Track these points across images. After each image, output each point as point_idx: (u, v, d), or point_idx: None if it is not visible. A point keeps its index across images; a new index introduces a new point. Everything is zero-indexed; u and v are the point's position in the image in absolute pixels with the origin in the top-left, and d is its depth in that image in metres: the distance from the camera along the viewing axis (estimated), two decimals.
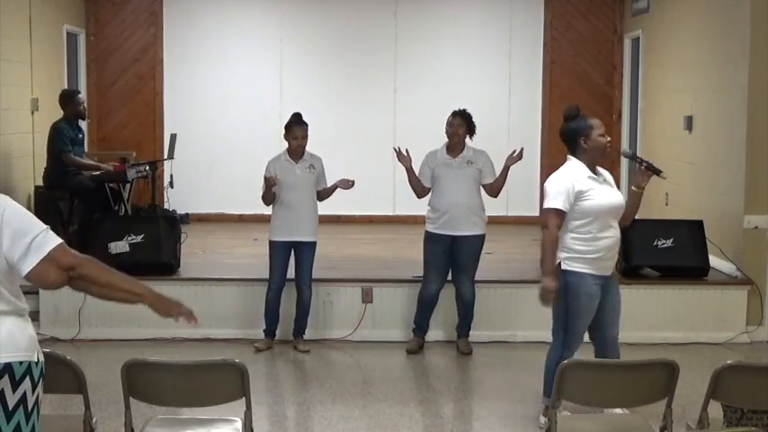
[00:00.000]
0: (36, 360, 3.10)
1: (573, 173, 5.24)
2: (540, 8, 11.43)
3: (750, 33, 7.59)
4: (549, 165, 11.45)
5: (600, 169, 5.31)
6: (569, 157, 5.36)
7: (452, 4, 11.44)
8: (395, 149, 7.00)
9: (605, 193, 5.20)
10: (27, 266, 2.97)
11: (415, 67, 11.36)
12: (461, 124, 6.90)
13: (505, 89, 11.43)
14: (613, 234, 5.21)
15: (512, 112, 11.44)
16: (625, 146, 11.09)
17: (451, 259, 6.96)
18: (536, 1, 11.43)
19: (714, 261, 7.78)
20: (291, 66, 11.39)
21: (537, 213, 11.46)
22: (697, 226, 7.75)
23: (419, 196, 7.10)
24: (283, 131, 7.04)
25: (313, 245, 7.06)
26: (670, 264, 7.62)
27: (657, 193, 9.91)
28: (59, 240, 3.02)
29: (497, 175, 6.96)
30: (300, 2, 11.44)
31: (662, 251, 7.63)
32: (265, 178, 6.88)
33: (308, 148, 7.05)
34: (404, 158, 6.93)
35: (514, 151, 6.94)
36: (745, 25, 7.68)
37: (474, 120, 6.96)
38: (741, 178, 7.71)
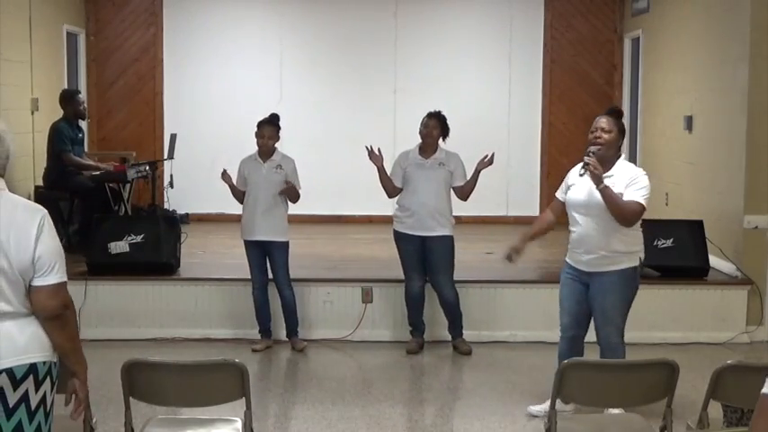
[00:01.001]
0: (55, 360, 3.21)
1: (576, 168, 5.37)
2: (540, 8, 11.43)
3: (750, 33, 7.59)
4: (549, 164, 11.49)
5: (615, 167, 5.22)
6: None
7: (452, 4, 11.44)
8: (367, 148, 6.99)
9: (576, 190, 5.32)
10: (45, 281, 3.09)
11: (415, 68, 11.36)
12: (436, 126, 6.93)
13: (505, 89, 11.43)
14: (577, 230, 5.35)
15: (512, 112, 11.44)
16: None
17: (425, 262, 6.97)
18: (536, 1, 11.43)
19: (714, 261, 7.78)
20: (291, 66, 11.39)
21: (537, 213, 11.48)
22: (697, 226, 7.75)
23: (390, 196, 7.11)
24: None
25: (283, 245, 7.05)
26: (670, 264, 7.61)
27: (657, 193, 9.92)
28: (65, 278, 3.18)
29: (468, 178, 6.95)
30: (300, 2, 11.45)
31: (662, 251, 7.63)
32: (221, 173, 7.01)
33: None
34: (376, 158, 6.95)
35: (486, 156, 6.93)
36: (745, 25, 7.68)
37: (448, 122, 6.98)
38: (741, 178, 7.71)
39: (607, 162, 5.21)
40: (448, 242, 6.97)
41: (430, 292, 7.14)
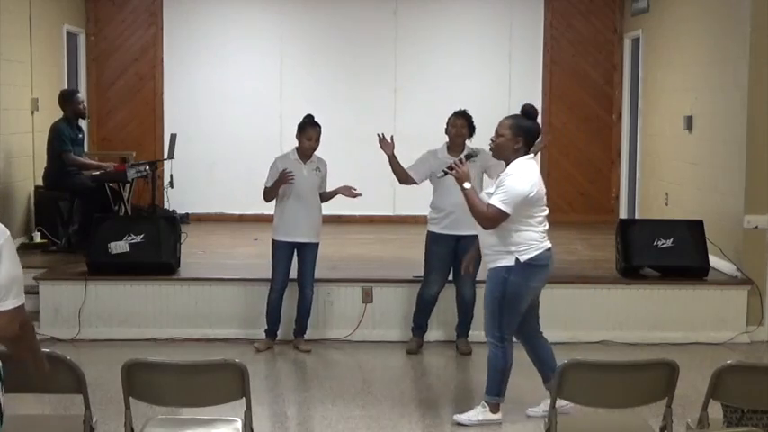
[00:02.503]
0: None
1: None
2: (540, 8, 11.42)
3: (750, 33, 7.59)
4: (549, 164, 11.49)
5: (508, 168, 5.33)
6: None
7: (452, 4, 11.44)
8: (378, 135, 6.93)
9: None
10: (2, 307, 3.04)
11: (415, 67, 11.36)
12: (464, 125, 6.91)
13: (505, 89, 11.42)
14: None
15: (512, 112, 11.37)
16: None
17: (455, 260, 6.95)
18: (536, 1, 11.42)
19: (714, 261, 7.78)
20: (291, 65, 11.39)
21: None
22: (697, 226, 7.75)
23: (401, 182, 7.06)
24: (295, 131, 7.02)
25: (315, 246, 7.07)
26: (670, 264, 7.61)
27: (657, 193, 9.92)
28: (23, 301, 3.13)
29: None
30: (300, 2, 11.44)
31: (662, 251, 7.62)
32: (282, 172, 6.80)
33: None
34: (386, 145, 6.89)
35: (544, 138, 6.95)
36: (745, 25, 7.68)
37: (474, 121, 6.98)
38: (741, 178, 7.70)
39: (505, 163, 5.34)
40: None
41: (441, 295, 7.12)
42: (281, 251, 6.98)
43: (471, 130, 6.96)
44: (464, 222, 6.86)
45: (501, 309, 5.40)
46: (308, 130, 6.96)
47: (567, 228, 10.77)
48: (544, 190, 5.39)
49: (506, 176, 5.26)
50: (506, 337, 5.49)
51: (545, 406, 5.43)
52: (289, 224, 6.95)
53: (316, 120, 7.03)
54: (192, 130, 11.00)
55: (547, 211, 5.46)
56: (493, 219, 5.22)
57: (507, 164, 5.33)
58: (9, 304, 3.05)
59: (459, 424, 5.57)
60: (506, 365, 5.55)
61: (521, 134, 5.32)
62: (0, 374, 3.10)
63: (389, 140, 6.89)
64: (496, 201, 5.19)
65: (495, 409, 5.57)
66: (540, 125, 5.69)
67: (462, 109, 7.00)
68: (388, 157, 6.90)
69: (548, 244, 5.44)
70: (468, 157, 5.64)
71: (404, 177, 6.98)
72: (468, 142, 6.98)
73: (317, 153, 7.07)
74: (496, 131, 5.37)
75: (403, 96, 11.36)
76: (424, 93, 11.21)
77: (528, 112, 5.52)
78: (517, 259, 5.29)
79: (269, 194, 6.96)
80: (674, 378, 4.07)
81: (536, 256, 5.33)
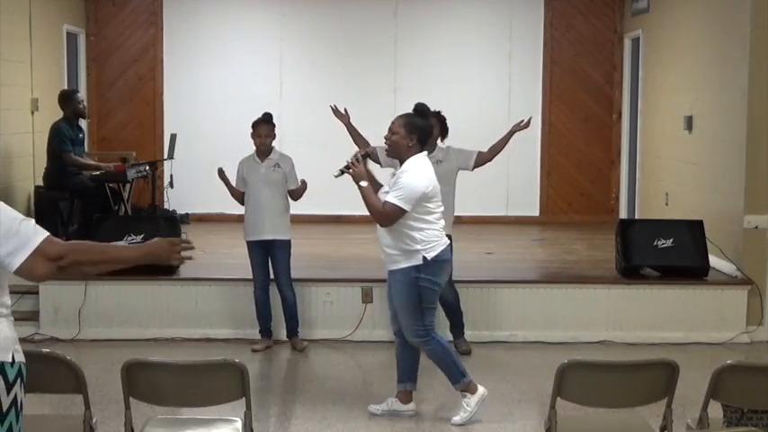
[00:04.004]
0: (11, 360, 3.06)
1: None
2: (540, 8, 11.42)
3: (750, 33, 7.59)
4: (549, 164, 11.50)
5: (404, 165, 5.39)
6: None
7: (452, 4, 11.44)
8: (331, 107, 6.99)
9: None
10: (17, 261, 2.98)
11: (415, 68, 11.36)
12: (434, 125, 6.88)
13: (505, 89, 11.42)
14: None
15: (512, 112, 11.40)
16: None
17: None
18: (536, 1, 11.42)
19: (714, 261, 7.77)
20: (291, 66, 11.39)
21: (537, 213, 11.49)
22: (697, 226, 7.75)
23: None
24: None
25: (285, 243, 7.04)
26: (670, 264, 7.61)
27: (657, 193, 9.92)
28: (46, 233, 3.03)
29: (481, 150, 6.90)
30: (300, 2, 11.44)
31: (662, 251, 7.63)
32: (218, 171, 7.04)
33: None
34: (341, 115, 6.95)
35: (522, 120, 6.93)
36: (745, 25, 7.68)
37: (447, 122, 6.93)
38: (741, 178, 7.70)
39: (399, 162, 5.39)
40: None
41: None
42: (253, 251, 7.06)
43: (444, 131, 6.92)
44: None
45: (420, 309, 5.43)
46: (258, 127, 7.05)
47: (567, 228, 10.79)
48: (439, 186, 5.46)
49: (402, 173, 5.33)
50: (430, 328, 5.52)
51: (387, 405, 5.53)
52: (252, 223, 7.02)
53: (272, 118, 7.09)
54: (192, 130, 10.99)
55: (442, 207, 5.51)
56: (389, 216, 5.28)
57: (402, 162, 5.39)
58: (21, 257, 2.96)
59: (456, 425, 5.57)
60: (447, 350, 5.61)
61: (414, 132, 5.38)
62: (23, 375, 3.09)
63: (343, 111, 6.92)
64: (393, 198, 5.26)
65: (473, 388, 5.60)
66: (432, 125, 5.76)
67: (436, 110, 6.97)
68: (346, 126, 6.95)
69: (446, 240, 5.50)
70: (366, 155, 5.63)
71: (362, 145, 6.94)
72: (439, 143, 6.91)
73: (280, 150, 7.09)
74: (390, 130, 5.43)
75: (403, 97, 11.32)
76: (424, 93, 11.13)
77: (421, 110, 5.58)
78: (424, 257, 5.32)
79: (233, 196, 7.14)
80: (674, 378, 4.07)
81: (440, 252, 5.39)
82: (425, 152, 5.48)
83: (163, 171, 10.37)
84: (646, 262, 7.68)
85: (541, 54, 11.45)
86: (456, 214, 7.06)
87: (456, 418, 5.60)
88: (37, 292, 7.34)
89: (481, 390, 5.60)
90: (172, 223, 7.92)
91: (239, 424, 4.09)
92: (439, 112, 6.96)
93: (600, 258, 8.65)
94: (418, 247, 5.31)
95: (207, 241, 9.56)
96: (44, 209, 9.23)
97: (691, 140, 8.98)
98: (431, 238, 5.34)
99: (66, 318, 7.37)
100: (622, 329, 7.46)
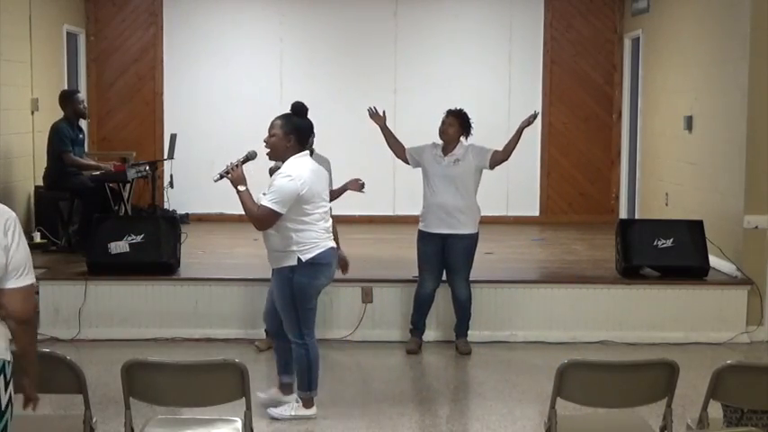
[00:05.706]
0: (10, 360, 3.12)
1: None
2: (540, 8, 11.42)
3: (750, 33, 7.59)
4: (549, 164, 11.50)
5: (282, 167, 5.44)
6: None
7: (452, 4, 11.44)
8: (369, 109, 7.03)
9: None
10: (20, 283, 3.06)
11: (415, 68, 11.36)
12: (453, 123, 6.90)
13: (505, 89, 11.43)
14: None
15: (512, 112, 11.41)
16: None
17: (444, 260, 6.96)
18: (536, 1, 11.42)
19: (714, 261, 7.78)
20: (291, 66, 11.39)
21: (537, 213, 11.50)
22: (697, 226, 7.75)
23: (397, 156, 7.19)
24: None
25: None
26: (670, 264, 7.61)
27: (657, 193, 9.92)
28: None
29: (497, 147, 6.94)
30: (300, 2, 11.44)
31: (662, 251, 7.63)
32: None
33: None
34: (377, 117, 6.97)
35: (531, 115, 6.95)
36: (745, 25, 7.68)
37: (470, 120, 6.96)
38: (741, 178, 7.70)
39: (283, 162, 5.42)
40: (469, 241, 6.96)
41: (440, 295, 7.13)
42: None
43: (465, 129, 6.94)
44: (446, 222, 6.88)
45: (294, 309, 5.43)
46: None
47: (567, 228, 10.79)
48: (322, 187, 5.47)
49: (278, 176, 5.34)
50: (305, 333, 5.51)
51: (284, 410, 5.54)
52: None
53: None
54: (192, 130, 10.99)
55: (326, 208, 5.50)
56: (263, 219, 5.29)
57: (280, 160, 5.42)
58: (27, 280, 3.06)
59: (273, 418, 5.56)
60: (312, 361, 5.57)
61: (292, 132, 5.39)
62: (6, 373, 3.10)
63: (381, 113, 6.94)
64: (266, 201, 5.27)
65: (308, 404, 5.61)
66: (312, 122, 5.75)
67: (458, 108, 6.99)
68: (381, 128, 6.95)
69: (330, 243, 5.47)
70: (246, 159, 5.62)
71: (399, 151, 7.06)
72: (463, 140, 6.95)
73: (319, 153, 7.06)
74: (268, 131, 5.44)
75: (403, 97, 11.35)
76: (424, 93, 11.20)
77: (298, 109, 5.61)
78: (299, 259, 5.33)
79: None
80: (674, 378, 4.07)
81: (318, 254, 5.37)
82: (306, 152, 5.49)
83: (163, 171, 10.37)
84: (646, 262, 7.68)
85: (541, 54, 11.45)
86: None
87: (275, 410, 5.59)
88: (37, 293, 7.33)
89: (313, 411, 5.60)
90: (172, 223, 7.92)
91: (239, 424, 4.09)
92: (460, 110, 6.96)
93: (600, 258, 8.65)
94: (294, 248, 5.32)
95: (207, 241, 9.57)
96: (44, 209, 9.24)
97: (691, 140, 8.99)
98: (308, 239, 5.34)
99: (67, 318, 7.37)
100: (622, 329, 7.46)
